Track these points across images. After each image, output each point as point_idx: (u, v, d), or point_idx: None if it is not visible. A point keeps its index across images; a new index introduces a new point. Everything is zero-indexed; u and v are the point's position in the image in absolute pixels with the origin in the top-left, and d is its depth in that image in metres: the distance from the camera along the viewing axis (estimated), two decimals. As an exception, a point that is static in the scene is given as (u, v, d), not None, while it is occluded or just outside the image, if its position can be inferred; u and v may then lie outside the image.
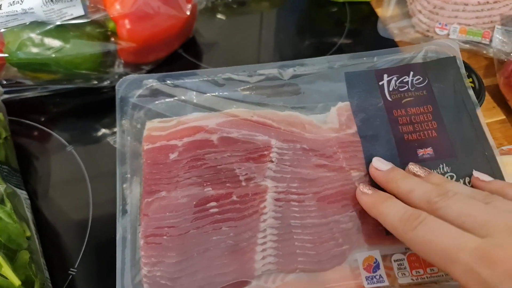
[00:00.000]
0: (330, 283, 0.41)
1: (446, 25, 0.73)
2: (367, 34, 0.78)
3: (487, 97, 0.68)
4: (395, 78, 0.49)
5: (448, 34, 0.73)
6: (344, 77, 0.50)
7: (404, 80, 0.49)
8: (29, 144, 0.60)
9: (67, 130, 0.62)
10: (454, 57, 0.49)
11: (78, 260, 0.50)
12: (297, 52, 0.75)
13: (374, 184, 0.44)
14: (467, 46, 0.73)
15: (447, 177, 0.43)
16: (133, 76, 0.50)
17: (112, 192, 0.46)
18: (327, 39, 0.77)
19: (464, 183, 0.43)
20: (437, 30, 0.73)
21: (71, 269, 0.50)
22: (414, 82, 0.48)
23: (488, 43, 0.72)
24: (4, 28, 0.57)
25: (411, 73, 0.49)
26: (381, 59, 0.51)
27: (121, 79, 0.49)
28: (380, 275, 0.41)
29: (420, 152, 0.45)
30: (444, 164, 0.44)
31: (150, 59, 0.67)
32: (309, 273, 0.42)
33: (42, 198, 0.55)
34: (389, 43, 0.75)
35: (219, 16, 0.80)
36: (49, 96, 0.64)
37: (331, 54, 0.74)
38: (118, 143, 0.47)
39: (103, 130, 0.62)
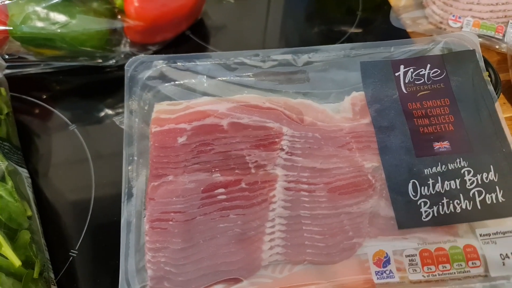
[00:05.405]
0: (338, 277, 0.40)
1: (459, 17, 0.71)
2: (378, 24, 0.76)
3: (498, 93, 0.66)
4: (411, 70, 0.47)
5: (462, 27, 0.71)
6: (360, 66, 0.48)
7: (421, 73, 0.47)
8: (31, 122, 0.59)
9: (70, 109, 0.60)
10: (474, 50, 0.48)
11: (79, 242, 0.49)
12: (305, 39, 0.73)
13: (388, 177, 0.43)
14: (480, 40, 0.71)
15: (463, 172, 0.42)
16: (143, 57, 0.48)
17: (115, 173, 0.45)
18: (337, 27, 0.75)
19: (481, 179, 0.42)
20: (450, 22, 0.72)
21: (72, 250, 0.49)
22: (431, 75, 0.47)
23: (501, 37, 0.71)
24: (9, 0, 0.55)
25: (428, 65, 0.48)
26: (398, 49, 0.49)
27: (131, 59, 0.48)
28: (390, 270, 0.40)
29: (436, 145, 0.44)
30: (461, 159, 0.43)
31: (157, 39, 0.65)
32: (317, 265, 0.41)
33: (43, 178, 0.54)
34: (401, 34, 0.73)
35: (228, -2, 0.78)
36: (52, 73, 0.63)
37: (341, 43, 0.72)
38: (126, 124, 0.45)
39: (107, 110, 0.60)
